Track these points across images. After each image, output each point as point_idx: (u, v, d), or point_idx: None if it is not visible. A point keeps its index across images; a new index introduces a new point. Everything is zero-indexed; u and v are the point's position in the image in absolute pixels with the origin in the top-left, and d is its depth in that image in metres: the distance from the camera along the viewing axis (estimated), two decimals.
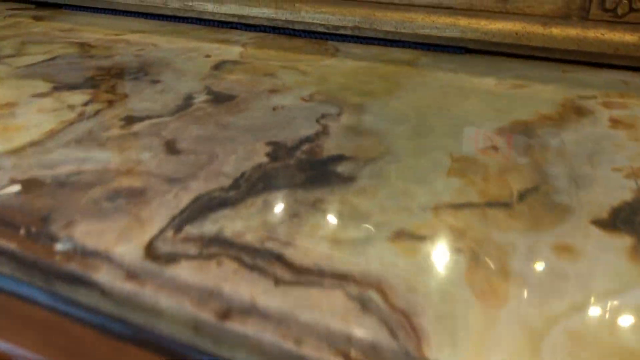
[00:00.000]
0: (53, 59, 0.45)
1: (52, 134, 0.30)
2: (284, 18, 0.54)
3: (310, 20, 0.53)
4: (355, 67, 0.44)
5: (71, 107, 0.34)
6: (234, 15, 0.57)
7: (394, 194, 0.24)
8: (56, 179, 0.25)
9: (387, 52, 0.49)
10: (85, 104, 0.35)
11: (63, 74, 0.41)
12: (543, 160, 0.28)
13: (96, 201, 0.23)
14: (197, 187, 0.25)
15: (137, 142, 0.29)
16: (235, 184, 0.25)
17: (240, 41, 0.52)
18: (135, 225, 0.22)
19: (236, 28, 0.58)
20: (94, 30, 0.55)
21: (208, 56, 0.46)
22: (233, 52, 0.48)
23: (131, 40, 0.51)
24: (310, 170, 0.27)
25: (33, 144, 0.29)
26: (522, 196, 0.24)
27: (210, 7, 0.57)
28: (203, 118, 0.33)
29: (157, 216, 0.22)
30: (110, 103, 0.35)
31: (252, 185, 0.25)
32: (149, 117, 0.33)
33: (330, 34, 0.54)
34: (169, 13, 0.60)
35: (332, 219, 0.23)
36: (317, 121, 0.33)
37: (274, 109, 0.35)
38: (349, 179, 0.26)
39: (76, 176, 0.26)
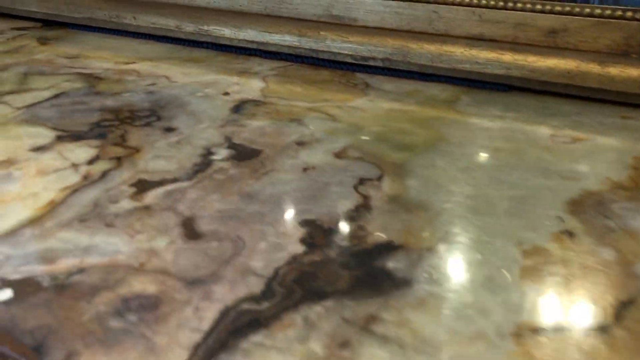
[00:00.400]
0: (57, 96, 0.41)
1: (52, 208, 0.26)
2: (307, 47, 0.50)
3: (337, 50, 0.49)
4: (389, 110, 0.40)
5: (75, 166, 0.30)
6: (252, 42, 0.53)
7: (461, 309, 0.20)
8: (55, 280, 0.21)
9: (422, 88, 0.44)
10: (91, 161, 0.31)
11: (67, 118, 0.37)
12: (630, 253, 0.24)
13: (102, 318, 0.19)
14: (223, 295, 0.21)
15: (150, 221, 0.25)
16: (269, 290, 0.21)
17: (261, 73, 0.48)
18: (151, 358, 0.18)
19: (255, 55, 0.53)
20: (102, 58, 0.51)
21: (226, 94, 0.42)
22: (254, 87, 0.44)
23: (142, 71, 0.47)
24: (356, 267, 0.22)
25: (30, 223, 0.25)
26: (618, 315, 0.20)
27: (227, 32, 0.53)
28: (225, 184, 0.29)
29: (176, 345, 0.18)
30: (119, 161, 0.31)
31: (288, 292, 0.21)
32: (163, 183, 0.29)
33: (357, 65, 0.50)
34: (183, 37, 0.56)
35: (391, 350, 0.18)
36: (356, 189, 0.29)
37: (304, 169, 0.31)
38: (403, 283, 0.22)
39: (79, 275, 0.22)
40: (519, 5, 0.44)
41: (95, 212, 0.26)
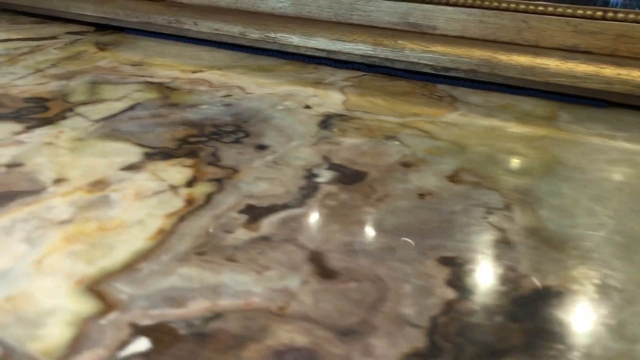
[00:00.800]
0: (132, 108, 0.39)
1: (163, 239, 0.24)
2: (382, 56, 0.48)
3: (416, 60, 0.47)
4: (487, 127, 0.37)
5: (174, 188, 0.28)
6: (322, 50, 0.51)
7: None
8: (191, 327, 0.19)
9: (513, 102, 0.42)
10: (189, 183, 0.29)
11: (150, 132, 0.35)
12: None
13: None
14: (384, 350, 0.18)
15: (274, 255, 0.23)
16: (434, 345, 0.19)
17: (335, 83, 0.45)
18: None
19: (324, 64, 0.51)
20: (166, 65, 0.49)
21: (308, 107, 0.40)
22: (333, 100, 0.41)
23: (213, 81, 0.45)
24: (524, 318, 0.20)
25: (144, 255, 0.23)
26: None
27: (295, 40, 0.51)
28: (340, 212, 0.26)
29: None
30: (220, 184, 0.29)
31: (457, 349, 0.18)
32: (274, 209, 0.27)
33: (436, 76, 0.47)
34: (246, 44, 0.54)
35: None
36: (486, 220, 0.26)
37: (420, 195, 0.28)
38: (582, 337, 0.19)
39: (216, 322, 0.19)
40: (620, 15, 0.41)
41: (212, 244, 0.24)
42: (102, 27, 0.62)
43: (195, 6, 0.56)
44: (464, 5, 0.46)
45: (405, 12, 0.48)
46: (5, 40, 0.56)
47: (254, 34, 0.52)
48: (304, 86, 0.45)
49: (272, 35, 0.52)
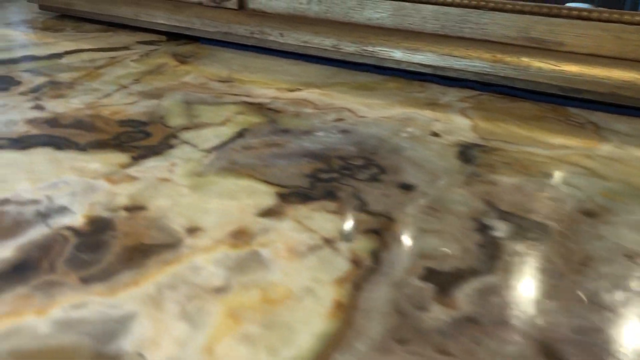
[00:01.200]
0: (241, 135, 0.35)
1: (347, 318, 0.20)
2: (502, 74, 0.43)
3: (542, 80, 0.42)
4: None
5: (329, 243, 0.24)
6: (428, 66, 0.46)
7: None
8: None
9: None
10: (346, 236, 0.25)
11: (272, 166, 0.31)
12: None
13: None
14: None
15: (494, 346, 0.19)
16: None
17: (452, 105, 0.41)
18: None
19: (429, 81, 0.47)
20: (258, 82, 0.45)
21: (435, 135, 0.36)
22: (459, 125, 0.37)
23: (315, 101, 0.41)
24: None
25: (333, 342, 0.18)
26: None
27: (398, 54, 0.46)
28: (543, 281, 0.21)
29: None
30: (381, 237, 0.25)
31: None
32: (461, 275, 0.22)
33: (563, 97, 0.42)
34: (338, 57, 0.50)
35: None
36: None
37: (627, 257, 0.24)
38: None
39: None
40: None
41: (407, 325, 0.19)
42: (173, 36, 0.58)
43: (280, 16, 0.52)
44: (598, 20, 0.41)
45: (527, 25, 0.43)
46: (77, 51, 0.52)
47: (349, 47, 0.48)
48: (418, 108, 0.40)
49: (370, 49, 0.47)
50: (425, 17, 0.46)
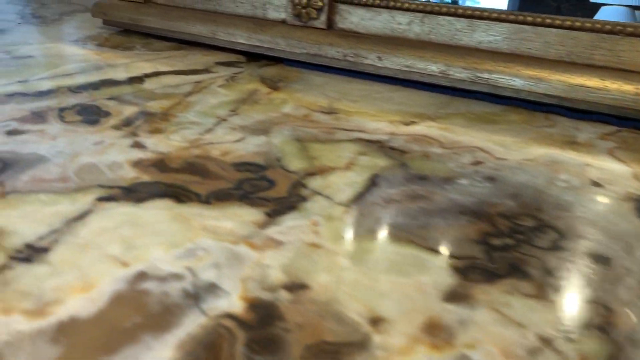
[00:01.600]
0: (374, 183, 0.31)
1: None
2: None
3: None
4: None
5: (547, 342, 0.20)
6: (554, 97, 0.42)
7: None
8: None
9: None
10: (564, 333, 0.20)
11: (428, 226, 0.26)
12: None
13: None
14: None
15: None
16: None
17: (594, 144, 0.36)
18: None
19: (553, 112, 0.42)
20: (365, 113, 0.40)
21: (597, 184, 0.31)
22: (616, 171, 0.31)
23: (438, 138, 0.37)
24: None
25: None
26: None
27: (519, 83, 0.42)
28: None
29: None
30: (607, 335, 0.20)
31: None
32: None
33: None
34: (445, 84, 0.45)
35: None
36: None
37: None
38: None
39: None
40: None
41: None
42: (251, 56, 0.55)
43: (376, 37, 0.48)
44: None
45: None
46: (156, 73, 0.49)
47: (460, 74, 0.44)
48: (559, 148, 0.36)
49: (485, 76, 0.43)
50: (549, 42, 0.42)
